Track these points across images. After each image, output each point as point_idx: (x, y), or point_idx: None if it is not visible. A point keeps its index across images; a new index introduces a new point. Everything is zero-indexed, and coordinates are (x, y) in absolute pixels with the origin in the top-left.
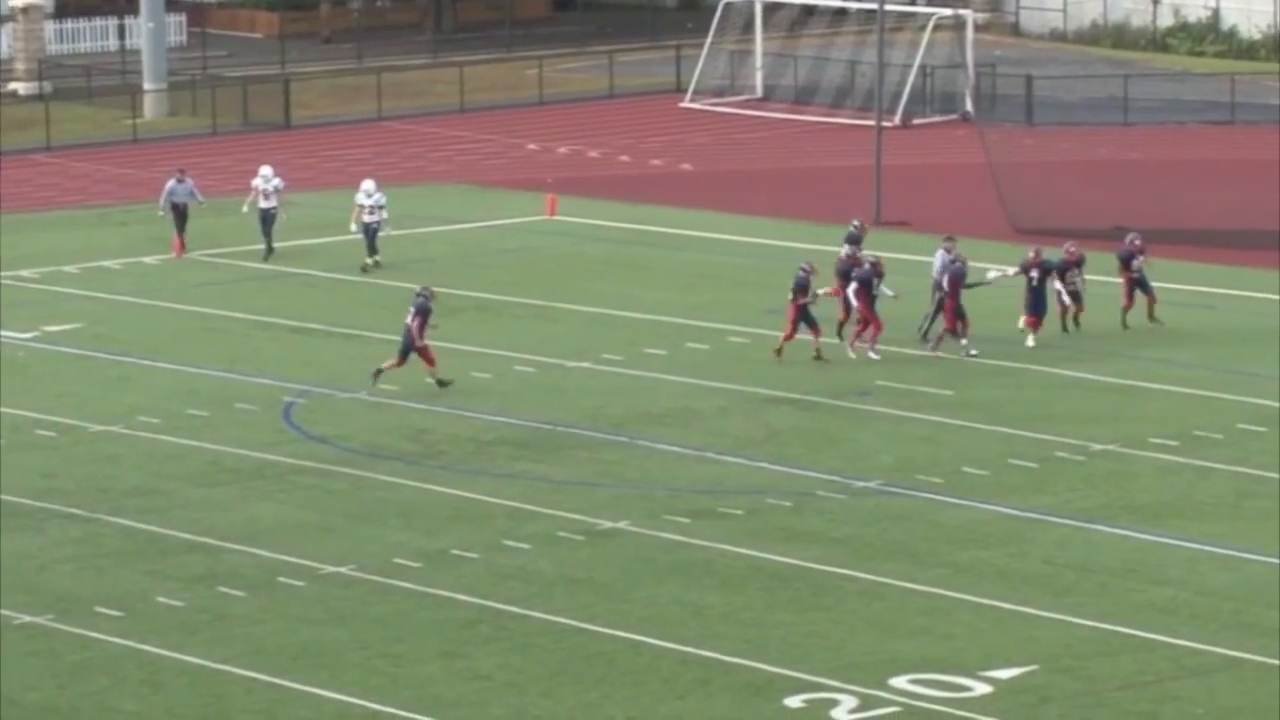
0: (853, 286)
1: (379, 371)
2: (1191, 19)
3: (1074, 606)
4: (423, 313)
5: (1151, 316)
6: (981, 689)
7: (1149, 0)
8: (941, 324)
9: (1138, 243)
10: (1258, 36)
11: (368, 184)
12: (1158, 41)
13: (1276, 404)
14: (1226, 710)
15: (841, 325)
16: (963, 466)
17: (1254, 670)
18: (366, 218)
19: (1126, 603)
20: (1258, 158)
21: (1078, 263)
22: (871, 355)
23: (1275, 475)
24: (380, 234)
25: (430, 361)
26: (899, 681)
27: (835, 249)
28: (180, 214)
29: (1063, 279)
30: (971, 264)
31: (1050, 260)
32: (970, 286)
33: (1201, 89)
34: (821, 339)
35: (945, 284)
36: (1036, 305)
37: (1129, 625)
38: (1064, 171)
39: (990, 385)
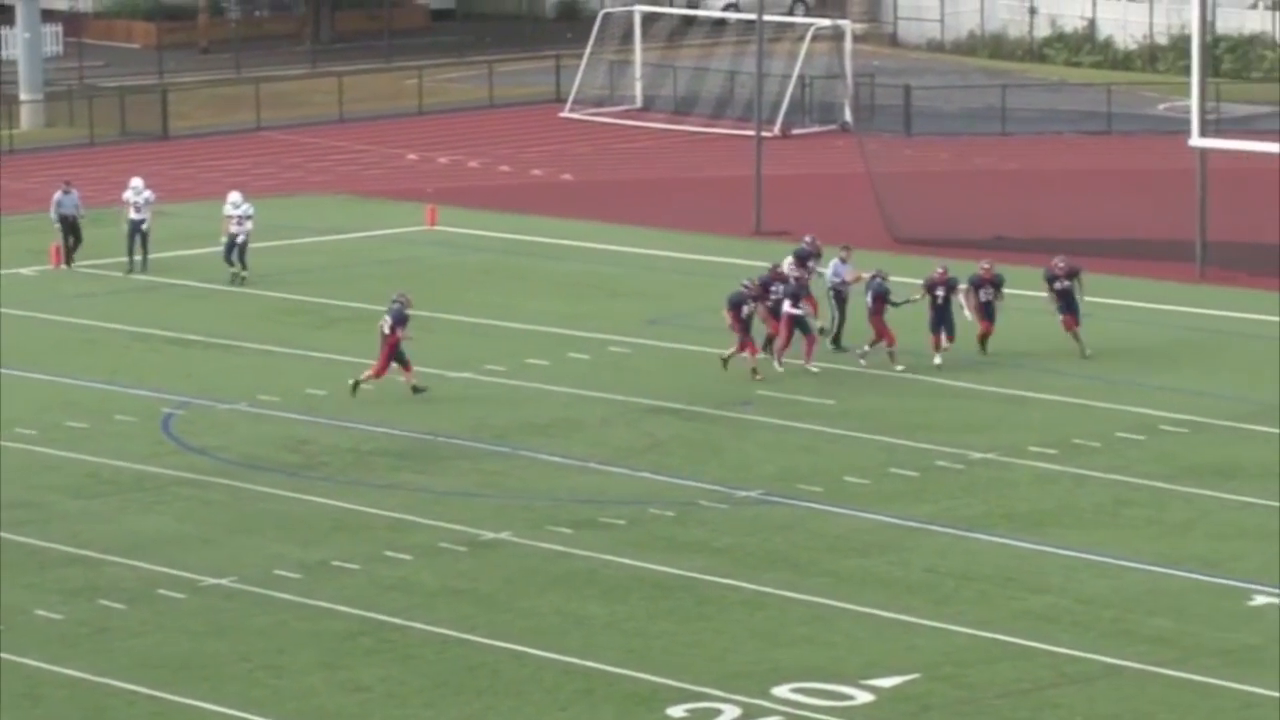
0: (787, 304)
1: (416, 389)
2: (1068, 29)
3: (954, 614)
4: (399, 320)
5: (1075, 337)
6: (863, 697)
7: (1026, 11)
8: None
9: (1060, 266)
10: (1133, 47)
11: (234, 195)
12: (1035, 52)
13: (1154, 412)
14: (1105, 717)
15: (770, 341)
16: (844, 476)
17: (1133, 677)
18: (234, 228)
19: (1006, 610)
20: (1134, 167)
21: (993, 281)
22: (777, 368)
23: (1153, 483)
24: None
25: (378, 371)
26: (781, 690)
27: (713, 259)
28: (69, 226)
29: (977, 294)
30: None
31: (955, 278)
32: (896, 305)
33: (1078, 99)
34: (748, 356)
35: (870, 301)
36: (942, 322)
37: (1009, 633)
38: (943, 181)
39: (871, 394)
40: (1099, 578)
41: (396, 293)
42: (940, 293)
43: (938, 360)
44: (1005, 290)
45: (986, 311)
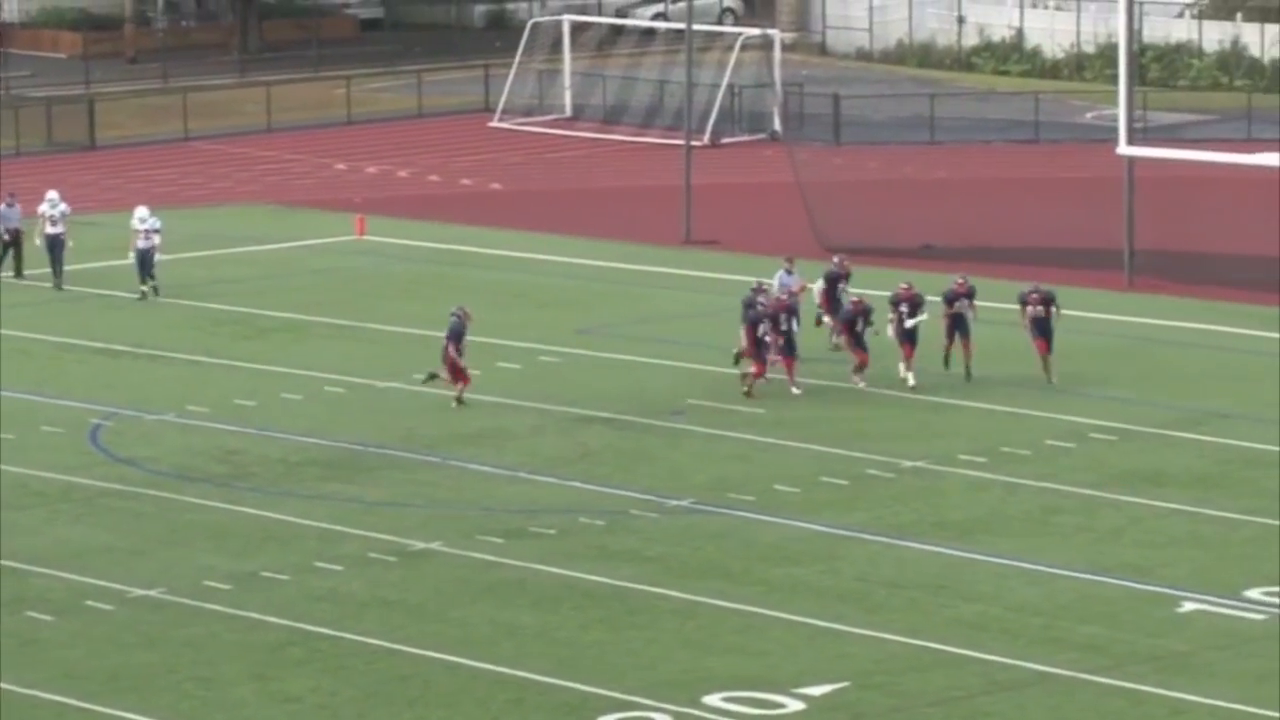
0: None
1: (432, 375)
2: (996, 38)
3: (886, 623)
4: (455, 334)
5: (1045, 369)
6: (795, 706)
7: (954, 20)
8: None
9: (1035, 295)
10: (1061, 56)
11: (141, 210)
12: (963, 61)
13: (1083, 420)
14: None
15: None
16: (775, 484)
17: (1063, 684)
18: (141, 243)
19: (937, 618)
20: (1062, 175)
21: (967, 293)
22: (794, 391)
23: (1082, 491)
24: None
25: (464, 381)
26: (713, 699)
27: (643, 269)
28: (13, 239)
29: (950, 308)
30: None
31: (920, 294)
32: (861, 333)
33: (1006, 108)
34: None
35: (841, 321)
36: (909, 336)
37: (940, 641)
38: (871, 190)
39: (801, 403)
40: (1029, 585)
41: (456, 306)
42: (904, 309)
43: (911, 381)
44: (974, 301)
45: (960, 326)
